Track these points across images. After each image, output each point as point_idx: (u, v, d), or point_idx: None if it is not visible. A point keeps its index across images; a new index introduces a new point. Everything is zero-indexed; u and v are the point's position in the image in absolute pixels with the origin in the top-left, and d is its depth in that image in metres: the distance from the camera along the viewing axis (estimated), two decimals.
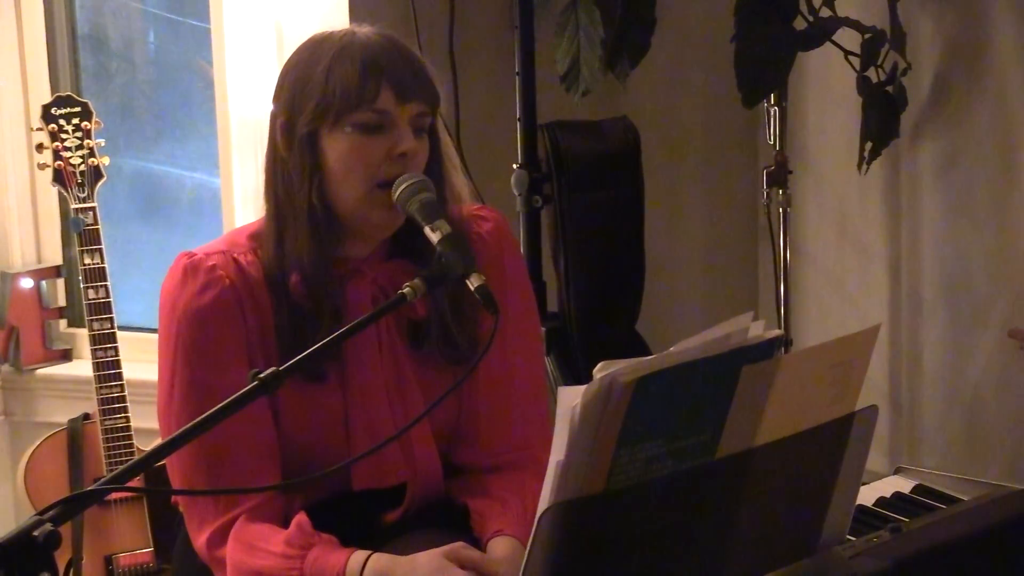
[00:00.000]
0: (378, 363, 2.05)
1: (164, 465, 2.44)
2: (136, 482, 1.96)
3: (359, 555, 1.90)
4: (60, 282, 3.68)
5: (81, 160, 3.24)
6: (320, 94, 1.97)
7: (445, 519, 2.08)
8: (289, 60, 2.07)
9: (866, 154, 3.00)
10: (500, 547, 1.96)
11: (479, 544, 1.99)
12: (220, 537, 1.97)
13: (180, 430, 1.61)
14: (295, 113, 1.99)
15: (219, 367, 1.98)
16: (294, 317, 2.00)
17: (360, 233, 2.04)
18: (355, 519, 2.05)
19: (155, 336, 3.46)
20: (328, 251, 2.01)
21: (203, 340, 1.99)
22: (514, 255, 2.17)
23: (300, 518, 1.95)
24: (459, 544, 1.90)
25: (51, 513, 1.43)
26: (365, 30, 2.02)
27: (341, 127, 1.97)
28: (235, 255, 2.03)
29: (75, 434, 3.27)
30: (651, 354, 1.46)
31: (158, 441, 1.79)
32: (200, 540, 2.00)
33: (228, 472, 1.98)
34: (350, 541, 1.95)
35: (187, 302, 2.00)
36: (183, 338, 2.00)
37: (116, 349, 3.19)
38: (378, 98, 1.96)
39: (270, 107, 2.07)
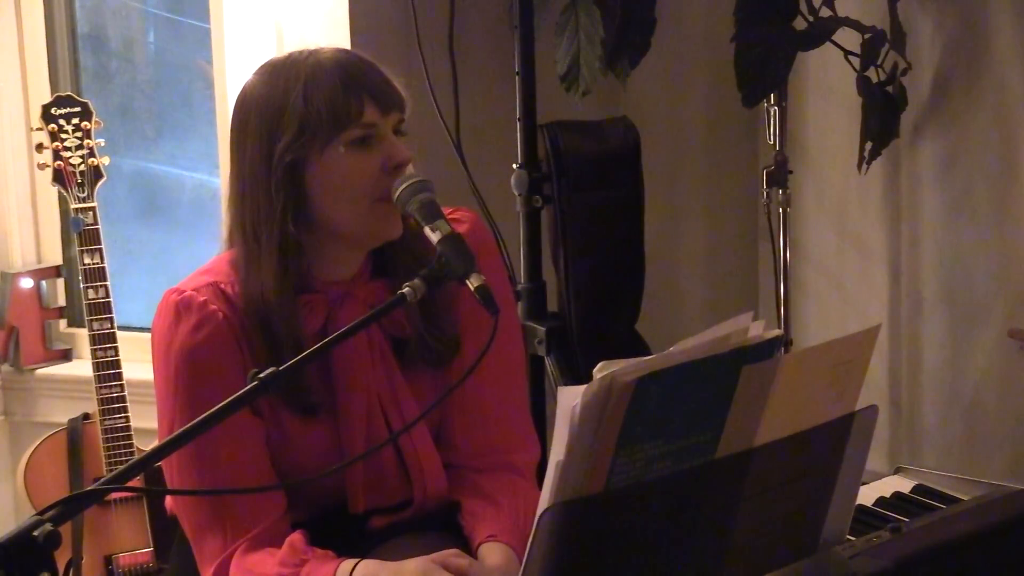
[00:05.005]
0: (372, 385, 2.02)
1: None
2: (136, 482, 1.95)
3: (348, 563, 1.88)
4: (60, 282, 3.68)
5: (81, 160, 3.24)
6: (301, 119, 1.92)
7: (443, 519, 2.07)
8: (247, 92, 2.00)
9: (866, 154, 3.00)
10: (493, 556, 1.94)
11: (468, 543, 1.99)
12: (224, 571, 1.95)
13: (177, 432, 1.61)
14: (270, 142, 1.94)
15: None
16: (276, 351, 1.94)
17: (360, 244, 2.02)
18: (354, 535, 2.03)
19: None
20: (292, 284, 1.96)
21: (202, 380, 1.94)
22: (492, 255, 2.13)
23: (293, 537, 1.93)
24: (452, 551, 1.88)
25: (51, 513, 1.43)
26: (326, 49, 1.98)
27: (334, 147, 1.93)
28: (222, 285, 1.99)
29: (75, 434, 3.27)
30: (651, 354, 1.46)
31: (157, 442, 1.79)
32: (207, 574, 1.98)
33: (232, 507, 1.95)
34: (350, 554, 1.92)
35: (182, 342, 1.96)
36: (182, 380, 1.96)
37: (116, 349, 3.19)
38: (364, 113, 1.94)
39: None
